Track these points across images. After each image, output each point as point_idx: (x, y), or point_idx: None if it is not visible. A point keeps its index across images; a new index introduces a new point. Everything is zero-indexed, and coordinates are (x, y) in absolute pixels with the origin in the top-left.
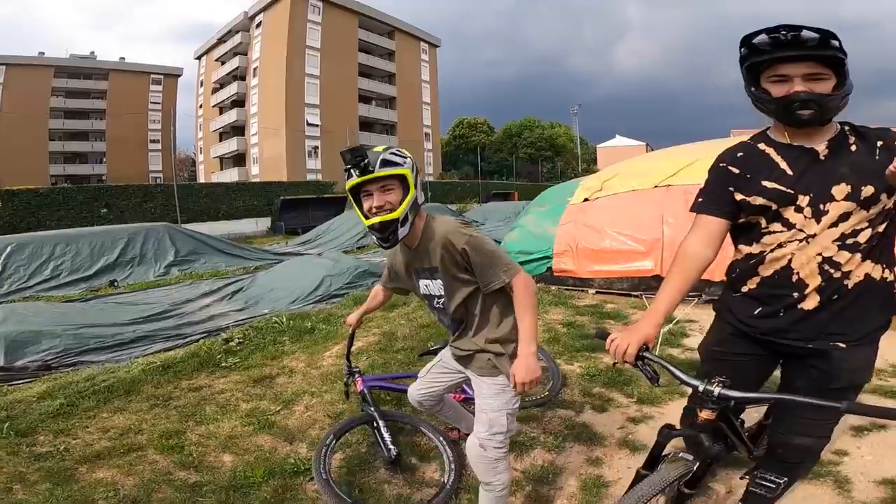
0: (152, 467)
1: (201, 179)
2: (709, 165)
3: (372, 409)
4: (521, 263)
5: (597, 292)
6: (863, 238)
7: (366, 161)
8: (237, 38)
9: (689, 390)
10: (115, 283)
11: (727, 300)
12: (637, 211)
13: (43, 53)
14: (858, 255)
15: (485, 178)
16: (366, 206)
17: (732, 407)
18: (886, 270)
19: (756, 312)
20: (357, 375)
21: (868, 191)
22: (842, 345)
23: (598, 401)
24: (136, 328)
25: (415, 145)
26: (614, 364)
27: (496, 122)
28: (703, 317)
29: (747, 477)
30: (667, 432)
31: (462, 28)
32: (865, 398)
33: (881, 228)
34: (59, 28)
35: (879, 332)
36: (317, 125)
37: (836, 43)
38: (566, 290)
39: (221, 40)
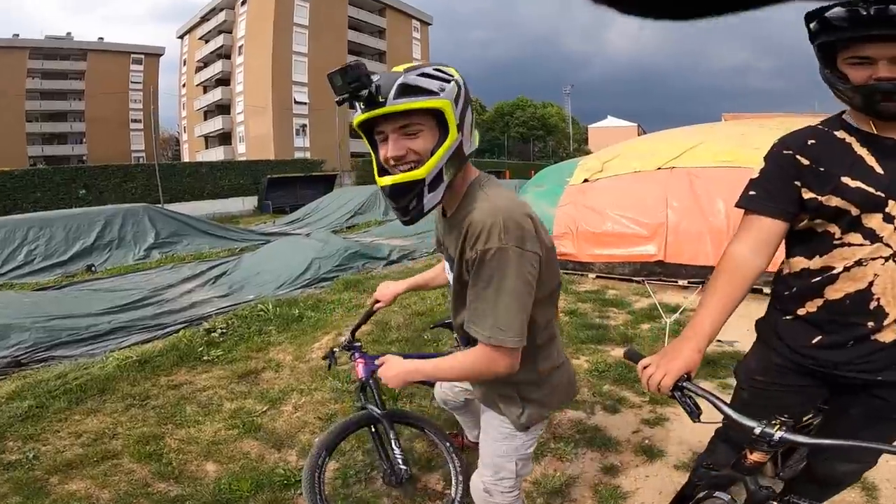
0: (129, 478)
1: (186, 158)
2: (714, 149)
3: (376, 407)
4: None
5: (597, 277)
6: None
7: (367, 88)
8: (221, 17)
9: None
10: (93, 269)
11: (775, 322)
12: (640, 193)
13: (18, 35)
14: None
15: (476, 156)
16: (381, 154)
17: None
18: None
19: (815, 342)
20: (358, 355)
21: None
22: None
23: (608, 400)
24: (112, 318)
25: None
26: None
27: (488, 101)
28: None
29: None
30: (704, 472)
31: (454, 6)
32: None
33: None
34: (38, 11)
35: None
36: (305, 103)
37: None
38: (565, 273)
39: (205, 18)
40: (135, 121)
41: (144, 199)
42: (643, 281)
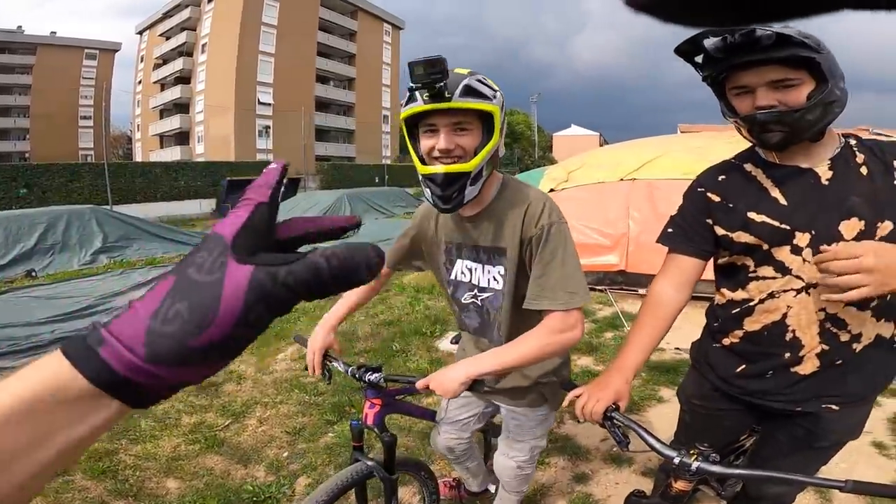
0: (83, 496)
1: (138, 158)
2: (673, 161)
3: (377, 462)
4: None
5: None
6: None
7: (444, 81)
8: (186, 13)
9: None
10: (33, 273)
11: (706, 351)
12: (604, 204)
13: None
14: (869, 313)
15: None
16: (425, 145)
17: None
18: (894, 327)
19: (739, 370)
20: (372, 392)
21: (886, 228)
22: (835, 407)
23: (568, 411)
24: (54, 327)
25: (373, 128)
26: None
27: None
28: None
29: None
30: (635, 500)
31: (427, 12)
32: None
33: None
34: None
35: (878, 391)
36: (269, 104)
37: (799, 39)
38: None
39: (168, 15)
40: (84, 118)
41: (92, 200)
42: (605, 290)
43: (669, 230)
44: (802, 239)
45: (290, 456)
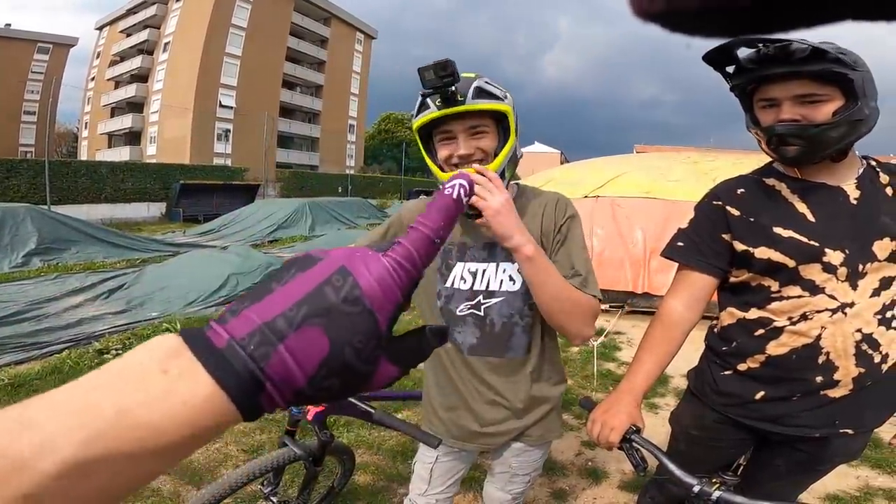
0: None
1: (83, 157)
2: (635, 180)
3: (306, 451)
4: None
5: None
6: None
7: (456, 84)
8: (152, 10)
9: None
10: None
11: (713, 378)
12: None
13: None
14: (894, 333)
15: (408, 174)
16: (443, 153)
17: None
18: None
19: (758, 397)
20: None
21: None
22: (850, 432)
23: None
24: None
25: (338, 136)
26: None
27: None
28: (628, 328)
29: None
30: None
31: (399, 22)
32: None
33: None
34: None
35: (890, 415)
36: (231, 107)
37: (834, 55)
38: None
39: (132, 11)
40: (28, 113)
41: (30, 198)
42: None
43: (680, 244)
44: (835, 257)
45: None
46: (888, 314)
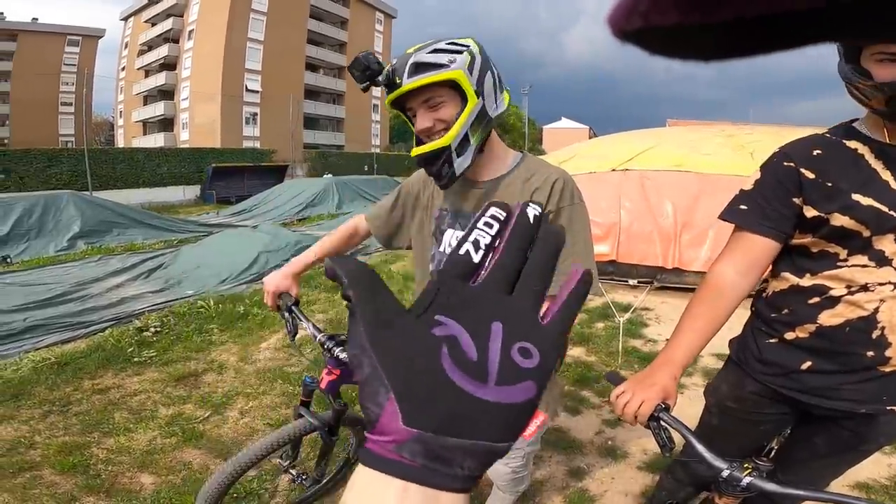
0: (52, 491)
1: (120, 144)
2: (666, 153)
3: (322, 422)
4: None
5: None
6: None
7: (379, 74)
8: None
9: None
10: (8, 260)
11: (757, 346)
12: (596, 193)
13: None
14: None
15: None
16: (415, 128)
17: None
18: None
19: (805, 367)
20: (333, 362)
21: None
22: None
23: (570, 401)
24: (27, 315)
25: (362, 116)
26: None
27: None
28: (657, 304)
29: None
30: None
31: (417, 1)
32: None
33: None
34: None
35: None
36: (257, 91)
37: None
38: None
39: (153, 1)
40: (65, 104)
41: (71, 185)
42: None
43: (742, 207)
44: None
45: None
46: None
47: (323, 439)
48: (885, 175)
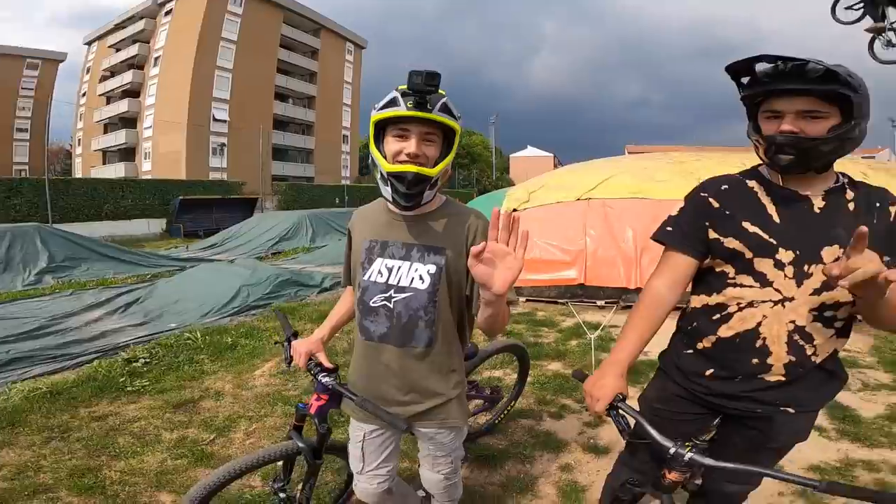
0: None
1: (78, 174)
2: (624, 182)
3: (307, 444)
4: None
5: (527, 300)
6: (842, 313)
7: (434, 93)
8: (140, 25)
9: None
10: None
11: (676, 356)
12: (563, 222)
13: None
14: (832, 331)
15: None
16: (394, 147)
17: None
18: (843, 344)
19: (708, 374)
20: (321, 387)
21: None
22: (791, 411)
23: (553, 408)
24: (9, 348)
25: (332, 147)
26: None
27: None
28: (623, 321)
29: None
30: (628, 488)
31: (384, 30)
32: None
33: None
34: None
35: (828, 400)
36: (224, 121)
37: (844, 78)
38: None
39: (120, 26)
40: (20, 130)
41: (31, 217)
42: (567, 302)
43: (668, 229)
44: (786, 256)
45: None
46: (826, 313)
47: (308, 461)
48: (771, 209)
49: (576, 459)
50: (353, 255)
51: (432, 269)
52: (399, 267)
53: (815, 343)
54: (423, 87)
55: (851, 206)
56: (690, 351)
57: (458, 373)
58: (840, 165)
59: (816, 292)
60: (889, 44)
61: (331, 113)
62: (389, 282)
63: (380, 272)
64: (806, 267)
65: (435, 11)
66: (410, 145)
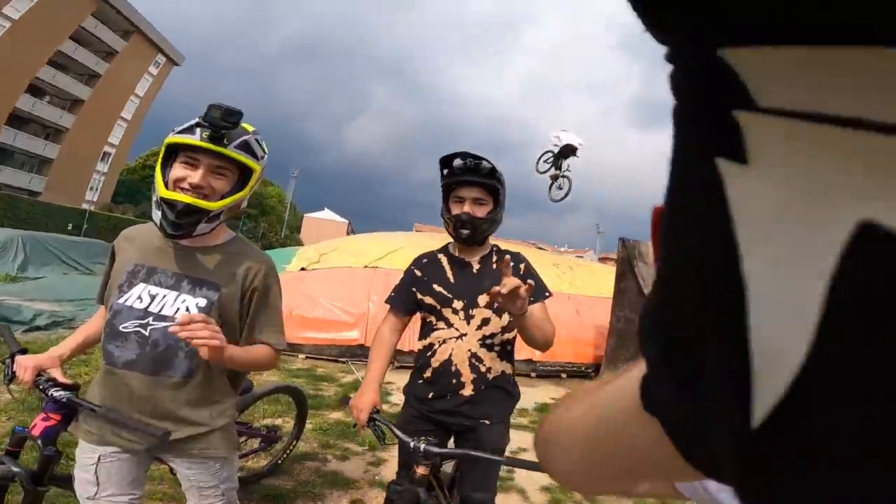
0: None
1: None
2: (407, 254)
3: (24, 470)
4: None
5: (307, 357)
6: (498, 340)
7: (226, 132)
8: None
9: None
10: None
11: (412, 386)
12: (350, 286)
13: None
14: (495, 354)
15: None
16: (179, 174)
17: (438, 464)
18: (510, 367)
19: (430, 396)
20: (53, 405)
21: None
22: (486, 422)
23: (338, 451)
24: None
25: (82, 162)
26: (354, 426)
27: None
28: (396, 379)
29: None
30: (394, 488)
31: (214, 54)
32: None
33: (510, 335)
34: None
35: (508, 414)
36: None
37: (499, 175)
38: None
39: None
40: None
41: None
42: (348, 362)
43: (392, 294)
44: (458, 304)
45: None
46: (488, 341)
47: (25, 488)
48: (449, 273)
49: (364, 494)
50: (112, 276)
51: (202, 302)
52: (164, 295)
53: (485, 364)
54: (220, 122)
55: (495, 265)
56: (420, 381)
57: (223, 404)
58: (550, 261)
59: (479, 328)
60: (559, 188)
61: (98, 124)
62: (149, 309)
63: (139, 298)
64: (471, 311)
65: (277, 49)
66: (196, 176)
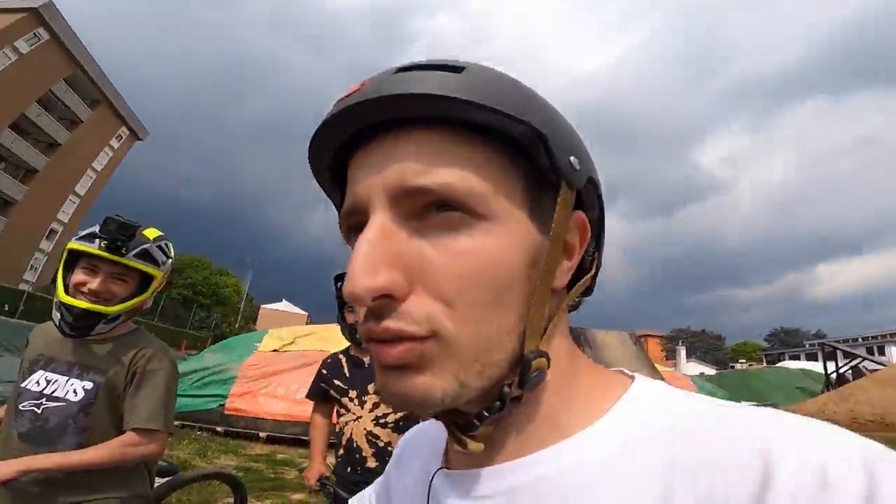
0: None
1: None
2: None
3: None
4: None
5: (268, 436)
6: (391, 419)
7: (124, 242)
8: None
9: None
10: None
11: (335, 464)
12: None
13: None
14: (390, 429)
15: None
16: (79, 278)
17: None
18: None
19: (349, 470)
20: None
21: None
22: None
23: None
24: None
25: (26, 238)
26: (310, 491)
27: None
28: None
29: None
30: None
31: (180, 127)
32: None
33: (403, 412)
34: None
35: None
36: None
37: None
38: (237, 431)
39: None
40: None
41: None
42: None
43: (311, 387)
44: (353, 394)
45: None
46: (381, 420)
47: None
48: (346, 369)
49: None
50: (22, 363)
51: (88, 385)
52: (57, 381)
53: (382, 439)
54: (115, 234)
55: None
56: (338, 458)
57: (126, 480)
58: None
59: (371, 410)
60: None
61: (49, 199)
62: (44, 391)
63: (37, 382)
64: (363, 398)
65: (247, 129)
66: (95, 282)
